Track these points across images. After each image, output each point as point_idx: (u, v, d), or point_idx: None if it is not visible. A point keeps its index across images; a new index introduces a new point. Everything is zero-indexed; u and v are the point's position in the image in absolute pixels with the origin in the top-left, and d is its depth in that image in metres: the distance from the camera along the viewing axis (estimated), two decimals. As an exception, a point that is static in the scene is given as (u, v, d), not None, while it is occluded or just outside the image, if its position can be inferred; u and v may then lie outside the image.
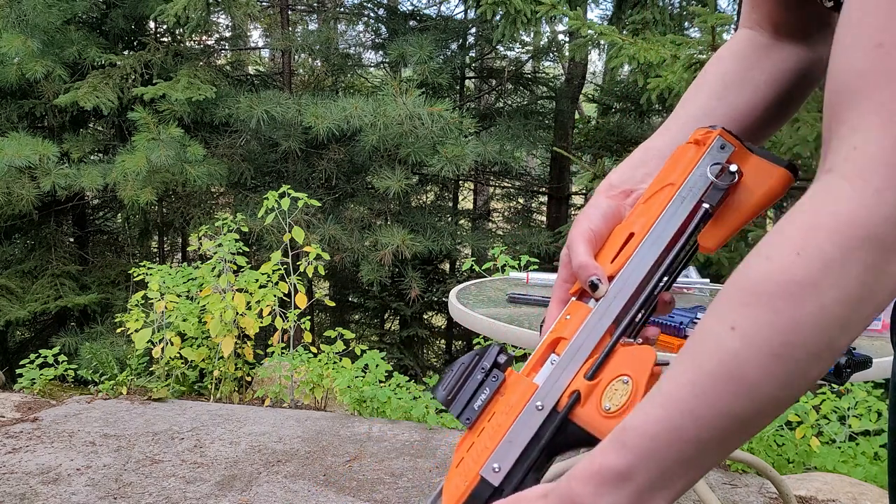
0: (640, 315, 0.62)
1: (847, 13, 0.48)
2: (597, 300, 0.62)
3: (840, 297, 0.44)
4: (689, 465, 0.49)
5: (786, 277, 0.46)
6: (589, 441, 0.57)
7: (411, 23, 7.63)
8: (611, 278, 0.63)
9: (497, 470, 0.58)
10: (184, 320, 4.02)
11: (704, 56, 3.51)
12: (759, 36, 0.74)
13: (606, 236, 0.67)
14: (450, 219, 7.92)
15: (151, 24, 6.91)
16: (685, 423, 0.48)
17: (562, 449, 0.59)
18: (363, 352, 3.89)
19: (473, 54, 8.39)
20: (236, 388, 4.02)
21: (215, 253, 4.15)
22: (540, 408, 0.59)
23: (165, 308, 3.98)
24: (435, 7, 8.78)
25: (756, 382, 0.46)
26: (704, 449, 0.48)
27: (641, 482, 0.49)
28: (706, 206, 0.62)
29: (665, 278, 0.63)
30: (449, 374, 0.64)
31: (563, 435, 0.58)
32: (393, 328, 8.24)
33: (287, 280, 4.08)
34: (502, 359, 0.63)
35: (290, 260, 4.09)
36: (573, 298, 0.66)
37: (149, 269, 4.21)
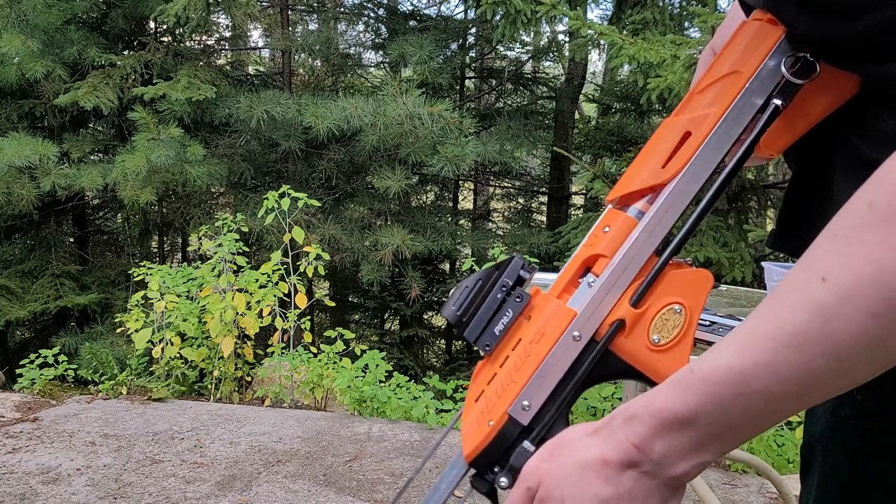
0: (692, 232, 0.54)
1: None
2: None
3: None
4: (755, 417, 0.46)
5: (892, 222, 0.39)
6: (630, 374, 0.52)
7: (411, 23, 7.64)
8: (662, 186, 0.53)
9: (527, 408, 0.52)
10: (184, 320, 4.02)
11: (704, 56, 3.50)
12: None
13: None
14: (450, 219, 7.91)
15: (151, 24, 6.91)
16: (759, 375, 0.44)
17: (596, 381, 0.53)
18: (363, 352, 3.89)
19: (473, 54, 8.40)
20: (236, 388, 4.02)
21: (215, 253, 4.15)
22: (577, 338, 0.52)
23: (165, 308, 3.98)
24: (435, 7, 8.77)
25: (845, 343, 0.41)
26: (775, 403, 0.44)
27: (703, 429, 0.46)
28: (777, 102, 0.52)
29: (723, 189, 0.54)
30: (462, 290, 0.56)
31: (601, 367, 0.52)
32: (393, 328, 8.25)
33: (287, 280, 4.08)
34: (526, 274, 0.55)
35: (290, 260, 4.09)
36: (610, 206, 0.56)
37: (149, 269, 4.21)
